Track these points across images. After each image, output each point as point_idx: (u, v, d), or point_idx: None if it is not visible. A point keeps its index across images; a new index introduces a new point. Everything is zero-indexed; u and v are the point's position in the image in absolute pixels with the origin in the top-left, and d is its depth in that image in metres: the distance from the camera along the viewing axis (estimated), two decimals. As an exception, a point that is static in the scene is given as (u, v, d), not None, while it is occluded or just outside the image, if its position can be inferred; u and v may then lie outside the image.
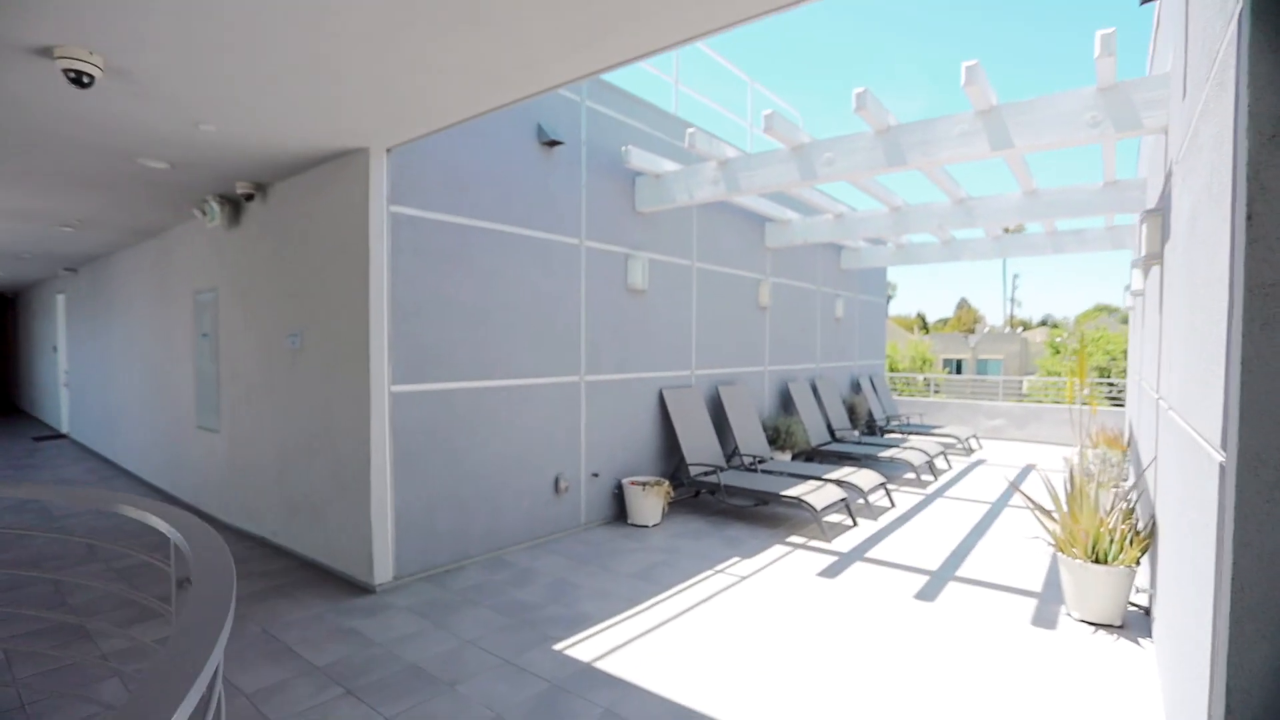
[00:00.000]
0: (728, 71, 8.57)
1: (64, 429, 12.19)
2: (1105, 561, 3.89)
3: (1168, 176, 3.78)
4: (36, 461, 9.77)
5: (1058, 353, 32.04)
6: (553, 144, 5.63)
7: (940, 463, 9.34)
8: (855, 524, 6.29)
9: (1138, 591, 4.15)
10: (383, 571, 4.57)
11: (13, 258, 9.18)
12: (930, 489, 7.92)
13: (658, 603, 4.40)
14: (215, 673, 1.29)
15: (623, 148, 6.32)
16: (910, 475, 8.63)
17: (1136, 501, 4.12)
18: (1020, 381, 22.87)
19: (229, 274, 6.08)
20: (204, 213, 5.74)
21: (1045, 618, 4.10)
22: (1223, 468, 1.71)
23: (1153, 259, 4.05)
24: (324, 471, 4.94)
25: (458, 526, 5.05)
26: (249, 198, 5.34)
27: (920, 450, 8.62)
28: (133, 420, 8.56)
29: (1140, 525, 4.11)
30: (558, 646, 3.74)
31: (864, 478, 6.89)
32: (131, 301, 8.46)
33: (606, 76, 6.37)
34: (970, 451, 10.65)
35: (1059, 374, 27.98)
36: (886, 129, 5.13)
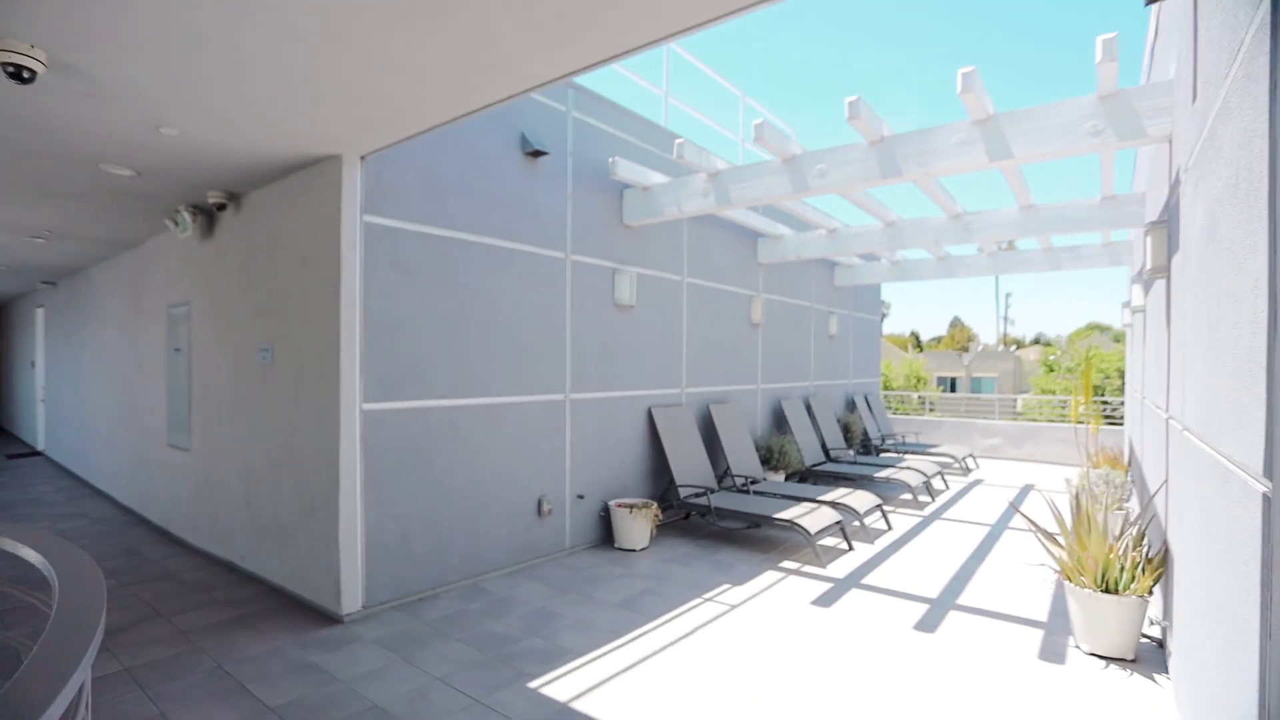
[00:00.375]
0: (719, 87, 8.48)
1: (40, 446, 11.87)
2: (1115, 591, 3.67)
3: (1173, 186, 3.62)
4: (5, 480, 9.45)
5: (1052, 371, 31.97)
6: (537, 154, 5.47)
7: (937, 483, 9.12)
8: (851, 548, 6.05)
9: (1151, 624, 3.92)
10: (351, 600, 4.31)
11: (-14, 270, 8.95)
12: (928, 510, 7.69)
13: (642, 634, 4.15)
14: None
15: (610, 159, 6.16)
16: (907, 496, 8.40)
17: (1146, 526, 3.91)
18: (1015, 400, 22.75)
19: (202, 287, 5.87)
20: (176, 224, 5.54)
21: (1053, 650, 3.87)
22: (1267, 499, 1.51)
23: (1158, 272, 3.89)
24: (292, 493, 4.69)
25: (433, 552, 4.80)
26: (221, 208, 5.14)
27: (917, 470, 8.41)
28: (105, 438, 8.28)
29: (1151, 552, 3.89)
30: (533, 684, 3.49)
31: (859, 499, 6.67)
32: (107, 315, 8.22)
33: (594, 87, 6.24)
34: (967, 471, 10.44)
35: (1053, 392, 27.88)
36: (881, 139, 4.99)
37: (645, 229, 6.82)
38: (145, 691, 3.40)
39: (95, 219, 5.87)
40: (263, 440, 5.00)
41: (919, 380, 33.45)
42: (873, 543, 6.29)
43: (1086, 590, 3.70)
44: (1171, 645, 3.34)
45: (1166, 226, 3.79)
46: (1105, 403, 19.50)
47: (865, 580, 5.21)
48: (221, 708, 3.24)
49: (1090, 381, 6.94)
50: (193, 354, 6.01)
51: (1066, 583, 3.86)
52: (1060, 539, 4.20)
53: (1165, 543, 3.69)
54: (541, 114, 5.65)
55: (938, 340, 65.69)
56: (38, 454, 11.73)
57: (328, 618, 4.34)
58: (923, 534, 6.63)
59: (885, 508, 7.07)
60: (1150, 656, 3.72)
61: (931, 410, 21.16)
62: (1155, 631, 3.95)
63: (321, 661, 3.74)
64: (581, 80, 6.13)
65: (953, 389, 40.47)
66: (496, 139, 5.25)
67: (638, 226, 6.68)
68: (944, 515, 7.47)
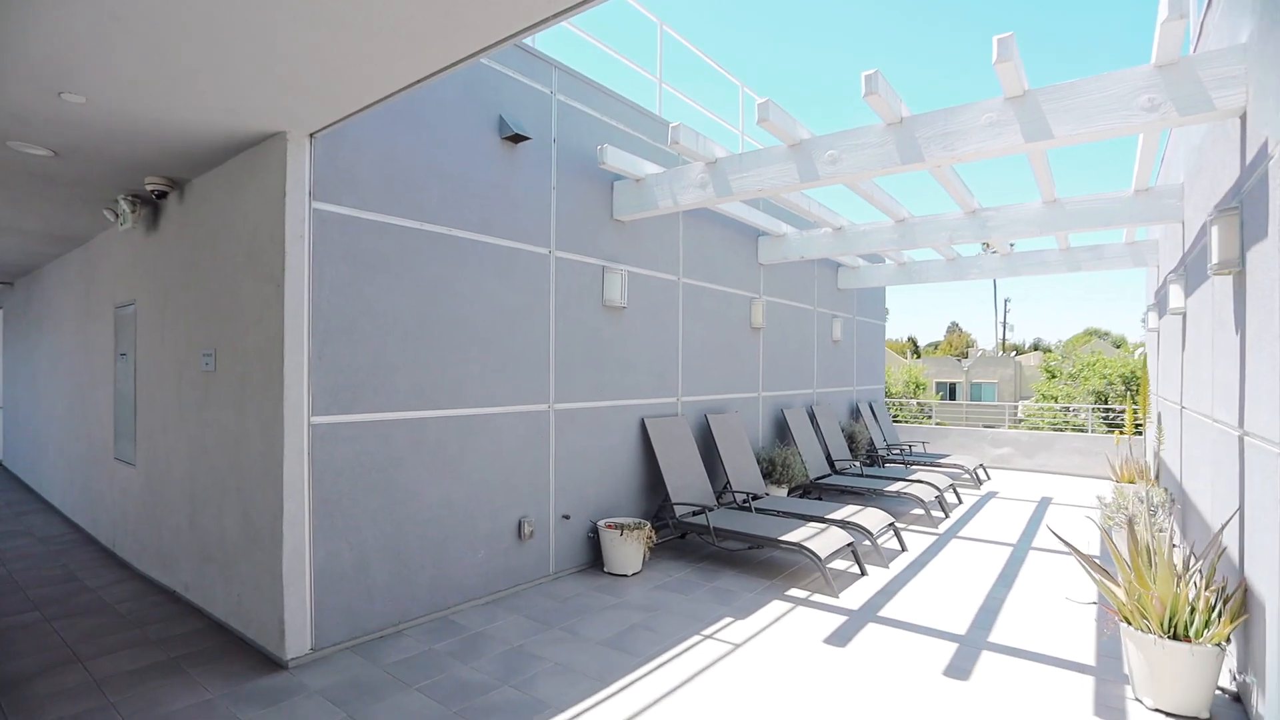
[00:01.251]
0: (715, 79, 7.97)
1: None
2: (1185, 637, 3.13)
3: (1253, 164, 3.10)
4: (-42, 494, 8.84)
5: (1054, 377, 31.51)
6: (517, 139, 4.93)
7: (950, 497, 8.57)
8: (864, 573, 5.50)
9: (1234, 679, 3.39)
10: (297, 642, 3.74)
11: (-67, 269, 8.37)
12: (942, 528, 7.15)
13: (634, 682, 3.60)
14: None
15: (599, 147, 5.63)
16: (919, 511, 7.86)
17: (1217, 561, 3.38)
18: (1016, 406, 22.29)
19: (147, 285, 5.31)
20: (116, 214, 4.99)
21: (1109, 704, 3.33)
22: None
23: (1227, 267, 3.36)
24: (236, 517, 4.13)
25: (396, 583, 4.24)
26: (161, 196, 4.60)
27: (929, 484, 7.86)
28: (57, 448, 7.70)
29: (1228, 591, 3.35)
30: (501, 752, 2.93)
31: (871, 518, 6.12)
32: (59, 317, 7.65)
33: (581, 69, 5.71)
34: (979, 483, 9.90)
35: (1054, 399, 27.42)
36: (900, 121, 4.47)
37: (638, 224, 6.29)
38: (34, 763, 2.84)
39: (26, 210, 5.31)
40: (207, 456, 4.44)
41: (917, 386, 32.96)
42: (887, 565, 5.74)
43: (1151, 636, 3.17)
44: (1262, 708, 2.80)
45: (1238, 213, 3.28)
46: (1110, 410, 19.00)
47: (883, 612, 4.66)
48: (120, 787, 2.67)
49: (1146, 391, 6.40)
50: (138, 358, 5.44)
51: (1124, 626, 3.32)
52: (1095, 564, 3.66)
53: (1244, 581, 3.16)
54: (522, 95, 5.13)
55: (935, 346, 65.31)
56: (-2, 464, 11.11)
57: (271, 662, 3.78)
58: (940, 555, 6.09)
59: (898, 525, 6.51)
60: (1227, 715, 3.18)
61: (929, 417, 20.62)
62: (1230, 684, 3.41)
63: (254, 721, 3.17)
64: (568, 60, 5.62)
65: (952, 395, 39.97)
66: (470, 121, 4.72)
67: (629, 221, 6.15)
68: (960, 533, 6.93)
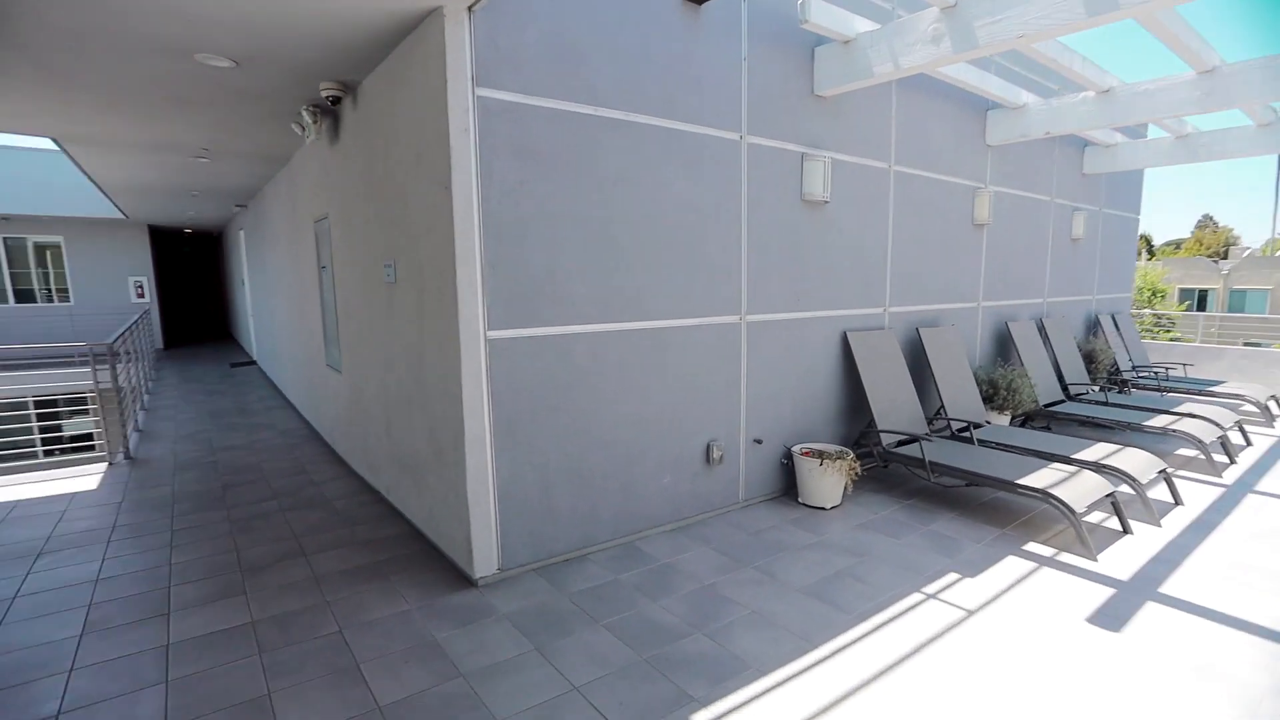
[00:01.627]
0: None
1: (255, 356, 13.13)
2: None
3: None
4: (226, 388, 10.43)
5: (1359, 281, 24.60)
6: (700, 0, 4.09)
7: (1234, 436, 6.80)
8: (1128, 531, 4.42)
9: None
10: (485, 562, 3.66)
11: (184, 194, 9.48)
12: (1229, 478, 5.63)
13: (845, 647, 3.07)
14: None
15: (799, 2, 4.59)
16: (1189, 453, 6.30)
17: None
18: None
19: (335, 197, 5.37)
20: (301, 128, 4.99)
21: None
22: None
23: None
24: (423, 431, 4.10)
25: (581, 506, 4.02)
26: (336, 101, 4.45)
27: (1207, 420, 6.23)
28: (287, 352, 8.62)
29: None
30: (698, 716, 2.57)
31: (1132, 460, 4.90)
32: (277, 234, 8.33)
33: (779, -99, 4.60)
34: (1272, 418, 7.82)
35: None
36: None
37: (842, 101, 5.20)
38: (261, 657, 2.99)
39: (232, 129, 5.53)
40: (395, 369, 4.45)
41: (1155, 293, 27.49)
42: (1159, 523, 4.57)
43: None
44: None
45: None
46: None
47: (1164, 588, 3.64)
48: (329, 697, 2.70)
49: None
50: (335, 270, 5.63)
51: None
52: None
53: None
54: (708, -58, 4.21)
55: (1176, 245, 54.26)
56: (253, 363, 13.00)
57: (463, 578, 3.75)
58: (1233, 516, 4.74)
59: (1167, 470, 5.17)
60: None
61: (1166, 331, 16.96)
62: None
63: (446, 641, 3.12)
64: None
65: (1200, 305, 32.96)
66: (648, -22, 3.95)
67: (832, 96, 5.09)
68: (1258, 487, 5.40)
